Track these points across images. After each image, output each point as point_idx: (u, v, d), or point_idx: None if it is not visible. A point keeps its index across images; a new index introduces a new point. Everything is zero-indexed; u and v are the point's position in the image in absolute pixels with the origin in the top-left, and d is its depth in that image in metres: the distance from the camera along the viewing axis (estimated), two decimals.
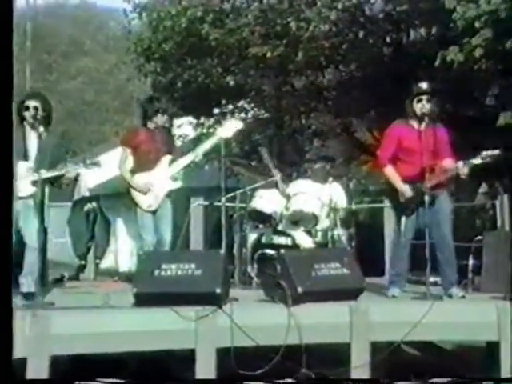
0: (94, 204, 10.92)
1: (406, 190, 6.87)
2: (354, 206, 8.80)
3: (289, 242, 8.20)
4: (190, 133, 15.64)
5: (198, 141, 14.61)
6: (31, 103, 6.70)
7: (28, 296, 6.47)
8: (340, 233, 8.30)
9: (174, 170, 7.55)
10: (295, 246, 8.11)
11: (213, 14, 12.51)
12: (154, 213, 7.53)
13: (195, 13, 12.51)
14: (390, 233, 8.99)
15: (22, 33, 31.20)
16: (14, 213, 7.51)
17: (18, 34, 32.43)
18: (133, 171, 7.57)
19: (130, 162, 7.68)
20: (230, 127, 7.55)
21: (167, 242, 7.53)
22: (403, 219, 6.87)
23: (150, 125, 7.64)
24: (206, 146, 7.58)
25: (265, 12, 12.01)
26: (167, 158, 7.57)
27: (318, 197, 8.34)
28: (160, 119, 7.62)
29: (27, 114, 6.67)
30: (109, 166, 7.98)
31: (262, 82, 13.66)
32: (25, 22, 31.08)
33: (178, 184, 7.61)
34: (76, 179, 13.36)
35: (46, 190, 6.62)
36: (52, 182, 6.73)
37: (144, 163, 7.55)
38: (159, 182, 7.50)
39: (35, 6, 32.33)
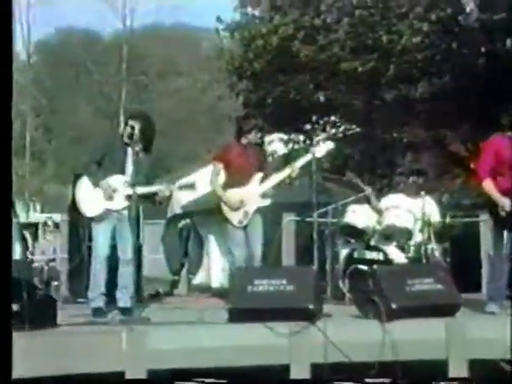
0: (188, 221, 11.07)
1: (506, 203, 6.70)
2: (448, 220, 8.63)
3: (381, 257, 8.11)
4: (281, 149, 15.69)
5: (288, 157, 14.68)
6: (130, 121, 6.85)
7: (125, 311, 6.59)
8: (434, 247, 8.16)
9: (265, 188, 7.59)
10: (388, 261, 8.01)
11: (304, 30, 12.55)
12: (244, 228, 7.58)
13: (286, 30, 12.59)
14: (486, 247, 8.78)
15: (118, 55, 32.04)
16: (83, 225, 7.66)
17: (114, 56, 33.33)
18: (224, 187, 7.65)
19: (221, 178, 7.77)
20: (323, 148, 7.61)
21: (257, 258, 7.56)
22: (503, 233, 6.71)
23: (243, 141, 7.71)
24: (298, 164, 7.62)
25: (355, 26, 11.97)
26: (259, 175, 7.62)
27: (410, 211, 8.24)
28: (253, 136, 7.69)
29: (125, 132, 6.83)
30: (201, 183, 8.08)
31: (352, 96, 13.61)
32: (121, 44, 31.93)
33: (269, 201, 7.65)
34: (169, 199, 13.60)
35: (141, 206, 6.76)
36: (146, 198, 6.86)
37: (236, 179, 7.63)
38: (250, 198, 7.55)
39: (131, 28, 33.11)
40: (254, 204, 7.55)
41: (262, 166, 7.71)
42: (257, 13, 13.88)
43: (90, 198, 6.77)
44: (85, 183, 6.82)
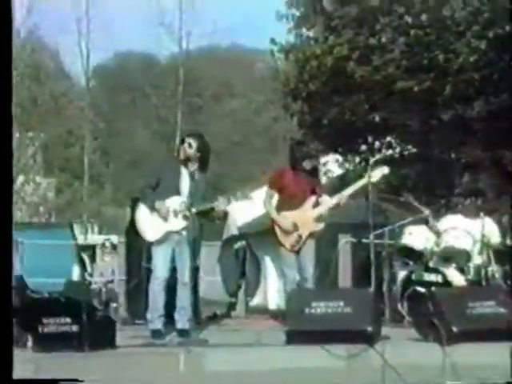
0: (244, 242, 11.09)
1: None
2: (509, 242, 8.48)
3: (440, 279, 8.02)
4: (336, 170, 15.64)
5: (344, 178, 14.62)
6: (189, 141, 6.91)
7: (183, 333, 6.62)
8: (494, 269, 8.02)
9: (318, 212, 7.59)
10: (447, 284, 7.90)
11: (358, 51, 12.53)
12: (297, 251, 7.58)
13: (341, 51, 12.58)
14: None
15: (175, 77, 32.38)
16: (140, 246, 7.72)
17: (170, 79, 33.68)
18: (278, 210, 7.67)
19: (274, 201, 7.79)
20: (378, 173, 7.58)
21: (310, 280, 7.53)
22: None
23: (298, 167, 7.72)
24: (352, 189, 7.60)
25: (411, 46, 11.91)
26: (312, 199, 7.61)
27: (469, 232, 8.12)
28: (307, 163, 7.68)
29: (181, 150, 6.89)
30: (257, 204, 8.10)
31: (408, 116, 13.52)
32: (177, 67, 32.27)
33: (322, 225, 7.63)
34: (225, 218, 13.65)
35: (198, 225, 6.80)
36: (204, 216, 6.90)
37: (289, 204, 7.63)
38: (303, 222, 7.55)
39: (187, 51, 33.45)
40: (307, 228, 7.55)
41: (315, 190, 7.69)
42: (311, 34, 13.90)
43: (148, 222, 6.84)
44: (142, 208, 6.89)
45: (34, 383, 5.07)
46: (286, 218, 7.55)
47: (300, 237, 7.52)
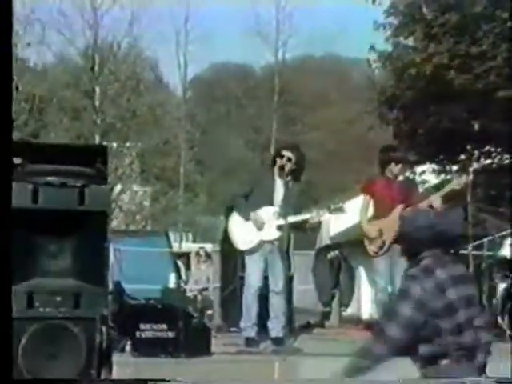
0: (337, 252, 11.02)
1: None
2: None
3: None
4: (433, 179, 15.36)
5: (441, 187, 14.32)
6: (285, 153, 6.91)
7: (277, 341, 6.60)
8: None
9: None
10: None
11: (459, 59, 12.29)
12: (390, 258, 7.48)
13: (441, 59, 12.35)
14: None
15: (270, 87, 32.57)
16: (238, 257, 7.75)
17: (265, 89, 33.89)
18: (371, 219, 7.61)
19: (371, 209, 7.73)
20: (462, 180, 7.44)
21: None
22: None
23: (387, 173, 7.62)
24: (437, 196, 7.46)
25: None
26: (400, 207, 7.51)
27: None
28: (394, 168, 7.57)
29: (278, 162, 6.89)
30: (350, 213, 8.06)
31: (510, 124, 13.15)
32: (273, 77, 32.46)
33: None
34: (317, 227, 13.57)
35: (291, 236, 6.80)
36: (297, 227, 6.89)
37: (379, 211, 7.60)
38: (388, 229, 7.46)
39: (283, 61, 33.59)
40: (392, 235, 7.46)
41: (405, 198, 7.57)
42: (409, 42, 13.72)
43: (242, 231, 6.87)
44: (236, 218, 6.92)
45: (34, 383, 5.12)
46: (372, 225, 7.52)
47: (384, 243, 7.48)
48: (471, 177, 7.95)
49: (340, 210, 6.91)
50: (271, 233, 6.80)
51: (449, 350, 3.89)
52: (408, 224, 4.01)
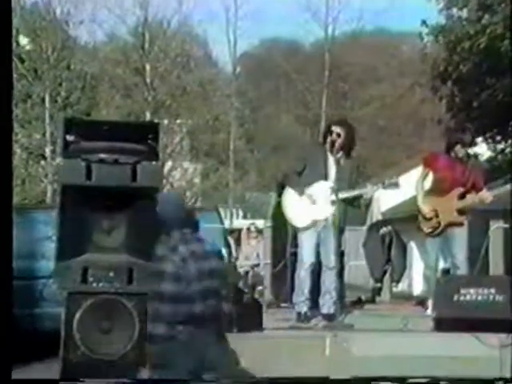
0: (389, 227, 10.94)
1: None
2: None
3: None
4: (486, 152, 15.16)
5: (494, 160, 14.12)
6: (335, 129, 6.87)
7: (328, 317, 6.60)
8: None
9: (462, 205, 7.42)
10: None
11: None
12: (438, 236, 7.46)
13: (495, 30, 12.11)
14: None
15: (320, 63, 32.39)
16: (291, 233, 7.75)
17: (315, 65, 33.70)
18: (427, 194, 7.54)
19: (428, 183, 7.66)
20: None
21: (461, 265, 7.35)
22: None
23: (452, 154, 7.53)
24: (499, 191, 7.37)
25: None
26: (459, 189, 7.42)
27: None
28: (460, 150, 7.48)
29: (328, 138, 6.85)
30: (401, 189, 8.00)
31: None
32: (323, 53, 32.26)
33: (463, 218, 7.43)
34: (369, 203, 13.45)
35: (344, 211, 6.76)
36: (351, 202, 6.85)
37: (437, 189, 7.54)
38: (445, 210, 7.41)
39: (333, 36, 33.35)
40: (447, 218, 7.40)
41: (467, 181, 7.48)
42: (463, 14, 13.47)
43: (296, 208, 6.86)
44: (290, 193, 6.92)
45: (34, 383, 5.15)
46: (428, 204, 7.44)
47: (438, 224, 7.43)
48: None
49: (394, 184, 6.85)
50: (325, 208, 6.77)
51: (183, 316, 4.53)
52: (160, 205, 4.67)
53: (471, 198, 7.40)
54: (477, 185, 7.46)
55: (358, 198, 6.85)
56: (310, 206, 6.78)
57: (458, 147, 7.46)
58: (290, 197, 6.92)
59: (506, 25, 11.97)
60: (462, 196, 7.44)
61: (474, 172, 7.59)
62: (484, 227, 9.84)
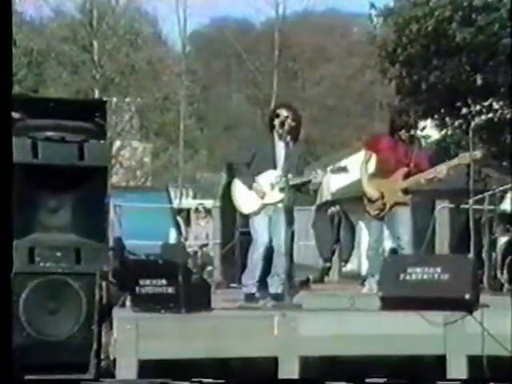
0: (338, 207, 11.02)
1: None
2: None
3: None
4: (435, 134, 15.33)
5: (442, 142, 14.29)
6: (281, 112, 6.86)
7: (276, 297, 6.62)
8: None
9: (406, 184, 7.50)
10: None
11: (462, 11, 12.14)
12: (382, 218, 7.55)
13: (443, 13, 12.22)
14: None
15: (270, 43, 32.34)
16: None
17: (266, 44, 33.65)
18: (372, 177, 7.60)
19: (372, 165, 7.71)
20: (469, 156, 7.41)
21: (406, 246, 7.46)
22: None
23: (396, 135, 7.59)
24: (445, 166, 7.43)
25: None
26: (403, 170, 7.50)
27: None
28: (404, 134, 7.54)
29: (276, 123, 6.84)
30: (352, 169, 8.04)
31: None
32: (273, 32, 32.19)
33: (408, 197, 7.53)
34: (316, 189, 13.51)
35: (294, 196, 6.78)
36: (299, 188, 6.87)
37: (381, 170, 7.61)
38: (390, 192, 7.48)
39: (283, 16, 33.32)
40: (393, 198, 7.48)
41: (410, 161, 7.54)
42: None
43: (245, 196, 6.87)
44: (239, 185, 6.92)
45: (35, 383, 5.14)
46: (373, 186, 7.52)
47: (384, 205, 7.51)
48: (472, 132, 7.93)
49: (343, 169, 6.88)
50: (274, 196, 6.79)
51: None
52: None
53: (415, 178, 7.47)
54: (420, 165, 7.53)
55: (306, 183, 6.86)
56: (257, 197, 6.81)
57: (402, 131, 7.51)
58: (239, 187, 6.92)
59: (453, 8, 12.09)
60: (406, 176, 7.51)
61: (417, 151, 7.66)
62: (430, 207, 9.96)
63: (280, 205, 6.71)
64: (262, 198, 6.79)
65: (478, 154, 7.47)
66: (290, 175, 6.60)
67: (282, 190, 6.66)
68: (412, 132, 7.66)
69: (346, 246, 10.73)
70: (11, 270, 4.89)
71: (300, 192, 7.00)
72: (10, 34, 4.94)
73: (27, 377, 4.97)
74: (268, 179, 6.81)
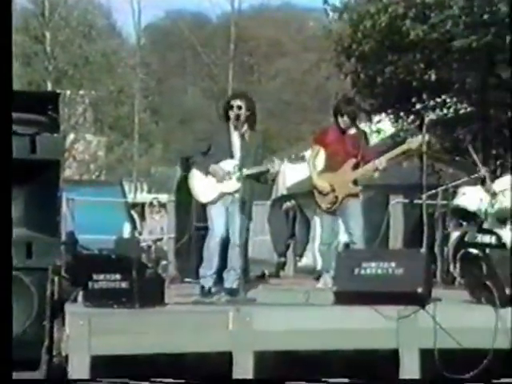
0: (293, 202, 11.04)
1: None
2: None
3: (494, 240, 7.86)
4: (389, 128, 15.47)
5: (397, 137, 14.42)
6: (235, 102, 6.84)
7: (231, 292, 6.61)
8: None
9: (356, 175, 7.53)
10: (502, 246, 7.75)
11: (415, 8, 12.25)
12: (335, 211, 7.57)
13: (396, 9, 12.32)
14: None
15: (226, 36, 32.26)
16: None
17: (221, 38, 33.56)
18: (322, 171, 7.63)
19: (321, 160, 7.73)
20: (417, 140, 7.49)
21: (358, 240, 7.49)
22: None
23: (341, 125, 7.60)
24: (391, 155, 7.51)
25: (472, 0, 11.57)
26: (352, 161, 7.53)
27: None
28: (346, 121, 7.55)
29: (231, 114, 6.82)
30: (306, 164, 8.06)
31: (465, 74, 13.20)
32: (228, 26, 32.13)
33: (359, 188, 7.57)
34: (274, 178, 13.50)
35: (251, 187, 6.77)
36: (257, 178, 6.86)
37: (330, 163, 7.62)
38: (340, 184, 7.50)
39: (239, 10, 33.27)
40: (344, 191, 7.51)
41: (358, 152, 7.58)
42: None
43: (202, 185, 6.83)
44: (196, 173, 6.88)
45: (35, 383, 5.09)
46: (324, 180, 7.53)
47: (336, 198, 7.53)
48: (426, 127, 7.99)
49: (300, 158, 6.90)
50: (232, 185, 6.76)
51: None
52: None
53: (363, 168, 7.51)
54: (366, 156, 7.57)
55: (264, 173, 6.84)
56: (215, 183, 6.77)
57: (344, 118, 7.53)
58: (196, 176, 6.88)
59: (406, 5, 12.21)
60: (355, 167, 7.55)
61: (363, 143, 7.71)
62: (384, 202, 10.03)
63: (237, 196, 6.70)
64: (220, 181, 6.74)
65: (426, 137, 7.57)
66: (247, 166, 6.60)
67: (239, 179, 6.66)
68: (352, 120, 7.64)
69: (300, 240, 10.75)
70: (10, 272, 4.84)
71: (259, 182, 6.99)
72: (10, 33, 4.90)
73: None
74: (225, 168, 6.78)
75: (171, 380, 5.19)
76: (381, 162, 7.46)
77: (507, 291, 5.70)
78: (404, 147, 7.61)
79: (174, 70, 40.08)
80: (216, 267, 6.80)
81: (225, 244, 6.82)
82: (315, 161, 7.73)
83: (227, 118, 6.88)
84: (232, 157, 6.80)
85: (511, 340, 5.49)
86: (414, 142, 7.58)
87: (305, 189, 10.66)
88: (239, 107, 6.78)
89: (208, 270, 6.81)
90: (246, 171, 6.63)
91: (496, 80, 13.23)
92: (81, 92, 27.80)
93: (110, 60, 29.20)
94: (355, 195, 7.60)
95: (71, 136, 27.13)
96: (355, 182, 7.59)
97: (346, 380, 5.42)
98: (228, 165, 6.78)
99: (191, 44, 36.22)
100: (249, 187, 6.76)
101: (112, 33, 34.42)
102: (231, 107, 6.82)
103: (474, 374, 5.33)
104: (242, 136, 6.74)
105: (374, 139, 12.92)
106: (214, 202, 6.81)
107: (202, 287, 6.80)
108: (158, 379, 5.14)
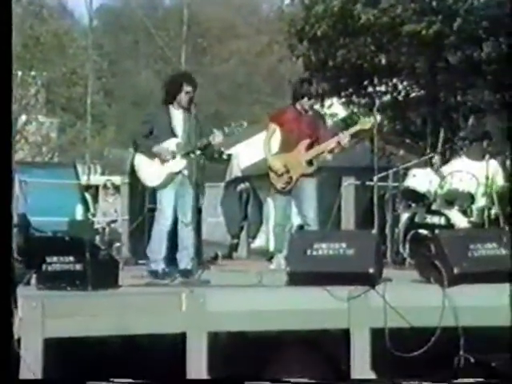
0: (247, 184, 11.10)
1: None
2: None
3: (443, 221, 8.02)
4: (341, 112, 15.56)
5: (349, 120, 14.54)
6: (187, 87, 6.81)
7: (185, 273, 6.64)
8: (498, 212, 8.01)
9: (310, 155, 7.60)
10: (450, 226, 7.91)
11: None
12: (289, 193, 7.62)
13: None
14: None
15: (179, 18, 32.02)
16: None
17: (174, 19, 33.29)
18: (278, 151, 7.68)
19: (276, 140, 7.78)
20: (369, 121, 7.58)
21: (311, 222, 7.56)
22: None
23: (298, 106, 7.66)
24: (346, 135, 7.59)
25: None
26: (305, 141, 7.60)
27: (473, 175, 8.10)
28: (306, 103, 7.62)
29: (183, 97, 6.79)
30: (260, 146, 8.10)
31: (415, 59, 13.36)
32: (181, 7, 31.88)
33: (313, 169, 7.64)
34: (228, 159, 13.51)
35: (198, 165, 6.75)
36: (202, 153, 6.86)
37: (285, 144, 7.69)
38: (294, 164, 7.56)
39: None
40: (298, 171, 7.57)
41: (312, 133, 7.65)
42: None
43: (148, 168, 6.82)
44: (141, 157, 6.86)
45: (35, 383, 5.09)
46: (278, 160, 7.57)
47: (290, 179, 7.58)
48: (377, 110, 8.10)
49: (240, 126, 6.90)
50: (177, 164, 6.76)
51: None
52: None
53: (316, 149, 7.59)
54: (322, 137, 7.64)
55: (207, 147, 6.83)
56: (161, 165, 6.76)
57: (303, 100, 7.59)
58: (141, 160, 6.87)
59: None
60: (310, 147, 7.62)
61: (321, 124, 7.78)
62: (336, 184, 10.14)
63: (186, 175, 6.69)
64: (165, 162, 6.72)
65: (372, 120, 7.68)
66: (190, 143, 6.59)
67: (184, 157, 6.67)
68: (312, 101, 7.70)
69: (253, 222, 10.83)
70: (10, 273, 4.80)
71: (205, 157, 6.99)
72: (10, 33, 4.87)
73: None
74: (169, 147, 6.77)
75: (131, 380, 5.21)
76: (345, 136, 7.54)
77: (455, 271, 5.82)
78: (356, 127, 7.71)
79: (127, 51, 39.75)
80: (165, 251, 6.82)
81: (173, 227, 6.83)
82: (270, 141, 7.78)
83: (173, 99, 6.84)
84: (175, 136, 6.80)
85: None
86: (366, 123, 7.67)
87: (259, 171, 10.73)
88: (191, 91, 6.78)
89: (157, 254, 6.82)
90: (189, 148, 6.64)
91: (444, 64, 13.42)
92: (32, 73, 27.37)
93: (62, 41, 28.79)
94: (310, 175, 7.66)
95: (23, 117, 26.74)
96: (310, 163, 7.64)
97: (304, 380, 5.49)
98: (171, 144, 6.78)
99: (144, 26, 35.89)
100: (197, 167, 6.75)
101: (63, 13, 33.97)
102: (183, 91, 6.79)
103: (423, 351, 5.45)
104: (196, 117, 6.75)
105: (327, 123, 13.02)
106: (162, 186, 6.81)
107: (155, 271, 6.81)
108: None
